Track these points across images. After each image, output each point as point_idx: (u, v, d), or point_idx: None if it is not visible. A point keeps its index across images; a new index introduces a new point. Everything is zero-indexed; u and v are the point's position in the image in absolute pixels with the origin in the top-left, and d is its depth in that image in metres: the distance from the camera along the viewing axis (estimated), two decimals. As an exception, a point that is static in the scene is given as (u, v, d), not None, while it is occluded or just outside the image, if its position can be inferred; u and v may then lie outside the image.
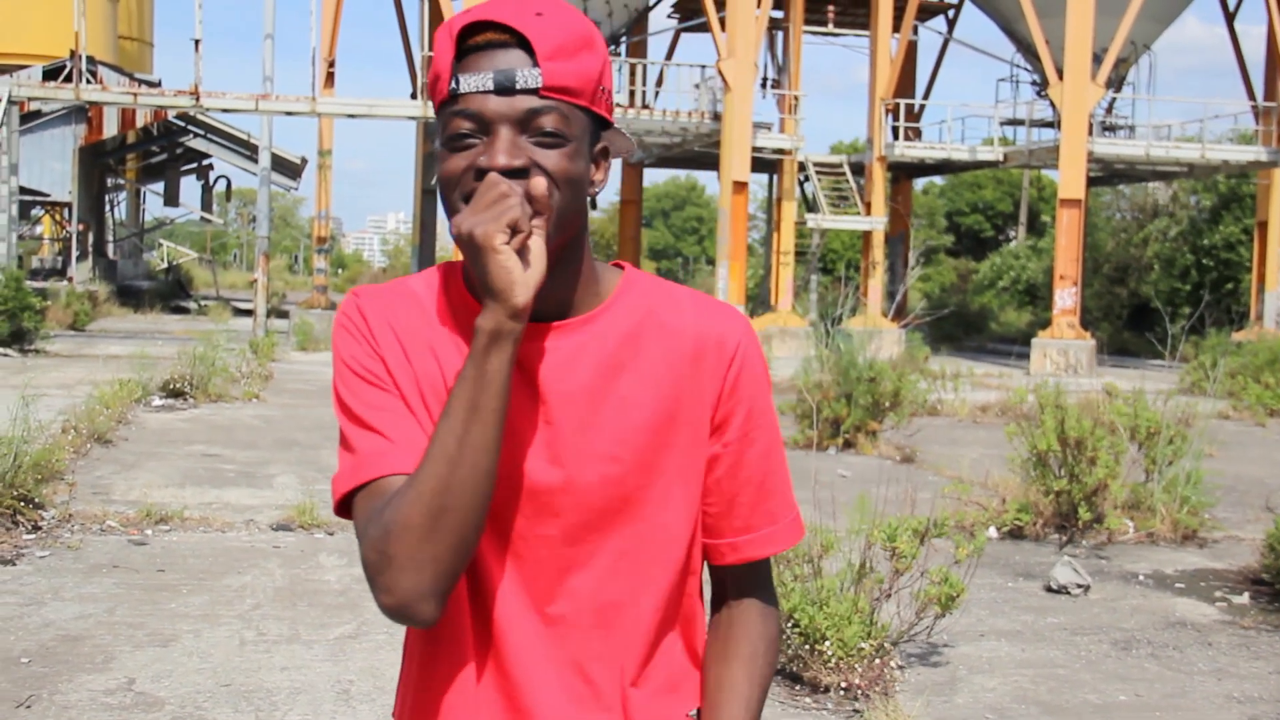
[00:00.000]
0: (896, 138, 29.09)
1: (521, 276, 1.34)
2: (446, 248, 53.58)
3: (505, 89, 1.40)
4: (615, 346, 1.49)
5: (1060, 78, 26.05)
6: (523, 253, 1.36)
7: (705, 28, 27.79)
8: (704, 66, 27.28)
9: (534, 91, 1.40)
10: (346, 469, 1.43)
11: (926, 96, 33.44)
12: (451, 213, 1.43)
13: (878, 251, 27.97)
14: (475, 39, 1.42)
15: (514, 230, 1.35)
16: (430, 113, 24.77)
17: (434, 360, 1.48)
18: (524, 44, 1.41)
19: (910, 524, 5.72)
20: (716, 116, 25.98)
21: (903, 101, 29.46)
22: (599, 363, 1.48)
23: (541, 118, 1.40)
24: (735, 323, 1.53)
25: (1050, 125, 30.47)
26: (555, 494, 1.46)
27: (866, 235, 28.52)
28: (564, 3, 1.47)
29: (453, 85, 1.42)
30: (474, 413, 1.36)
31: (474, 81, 1.41)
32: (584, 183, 1.45)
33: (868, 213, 28.23)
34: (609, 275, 1.54)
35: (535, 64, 1.40)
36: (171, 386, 14.49)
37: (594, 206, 1.55)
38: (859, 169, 29.73)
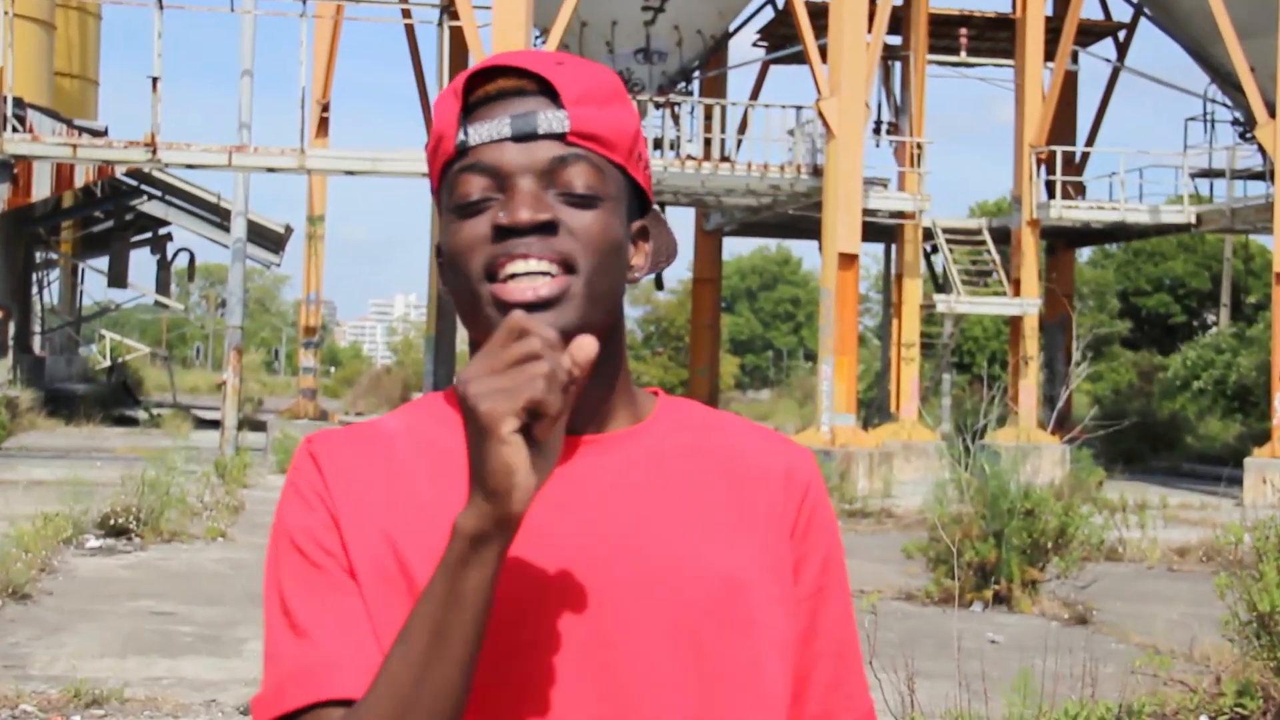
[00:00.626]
0: (1052, 195, 29.04)
1: (526, 478, 1.29)
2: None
3: (525, 135, 1.48)
4: (676, 466, 1.55)
5: (1272, 115, 25.92)
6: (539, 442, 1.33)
7: (801, 59, 28.06)
8: (800, 108, 27.48)
9: (560, 138, 1.49)
10: (270, 688, 1.44)
11: (1091, 142, 33.46)
12: (463, 299, 1.49)
13: (1030, 343, 27.80)
14: (486, 88, 1.51)
15: (534, 413, 1.29)
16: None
17: (421, 528, 1.47)
18: (546, 90, 1.50)
19: (1094, 712, 5.52)
20: (817, 171, 26.09)
21: (1060, 149, 29.47)
22: (657, 484, 1.53)
23: (569, 169, 1.48)
24: (803, 455, 1.63)
25: (1259, 177, 30.27)
26: (599, 652, 1.46)
27: (1015, 322, 28.37)
28: (587, 60, 1.56)
29: (460, 139, 1.50)
30: (439, 640, 1.33)
31: (486, 130, 1.49)
32: (622, 255, 1.51)
33: (1016, 293, 28.11)
34: (642, 394, 1.63)
35: (560, 106, 1.49)
36: (112, 522, 14.57)
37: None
38: (1003, 236, 29.68)
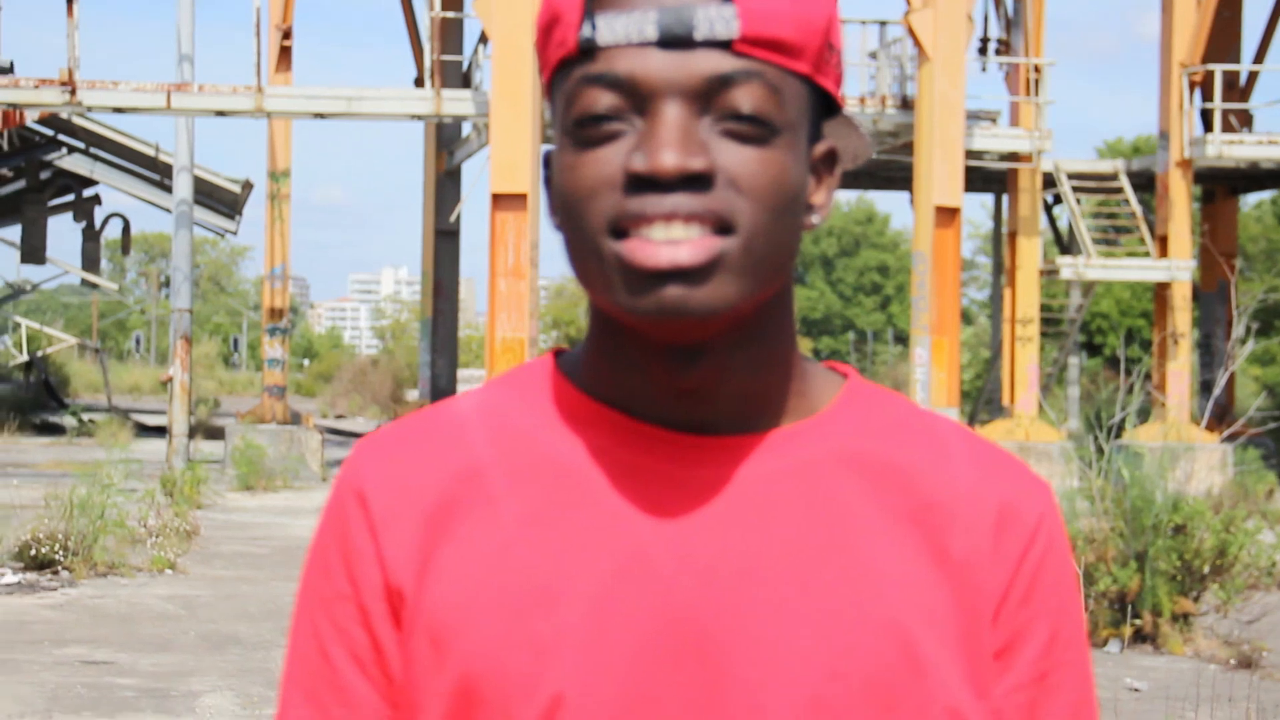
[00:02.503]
0: (1209, 128, 28.91)
1: None
2: (479, 325, 53.75)
3: (677, 38, 1.35)
4: (840, 485, 1.45)
5: None
6: None
7: (887, -41, 28.03)
8: (884, 23, 27.44)
9: (725, 45, 1.35)
10: None
11: (1260, 59, 33.24)
12: (575, 249, 1.39)
13: (1181, 317, 27.71)
14: None
15: None
16: (446, 108, 25.22)
17: (503, 552, 1.44)
18: None
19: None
20: (907, 103, 26.07)
21: (1219, 68, 29.28)
22: (812, 507, 1.43)
23: (735, 91, 1.36)
24: (1036, 489, 1.51)
25: None
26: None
27: (1161, 290, 28.28)
28: None
29: (584, 32, 1.38)
30: None
31: (623, 26, 1.36)
32: (799, 201, 1.41)
33: (1163, 254, 28.03)
34: (822, 378, 1.51)
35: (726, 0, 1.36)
36: (34, 553, 14.67)
37: (806, 229, 1.49)
38: (1145, 181, 29.58)
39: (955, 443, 1.49)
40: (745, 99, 1.35)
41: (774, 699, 1.38)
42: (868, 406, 1.49)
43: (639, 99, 1.36)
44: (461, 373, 37.92)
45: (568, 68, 1.39)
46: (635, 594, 1.39)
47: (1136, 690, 10.61)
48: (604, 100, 1.36)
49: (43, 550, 14.69)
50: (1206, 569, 12.25)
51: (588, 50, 1.37)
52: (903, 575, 1.42)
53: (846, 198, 74.69)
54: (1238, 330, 24.99)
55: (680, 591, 1.39)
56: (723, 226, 1.34)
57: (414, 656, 1.43)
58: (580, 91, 1.37)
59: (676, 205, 1.33)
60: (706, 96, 1.35)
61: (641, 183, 1.34)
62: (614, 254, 1.35)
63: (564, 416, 1.46)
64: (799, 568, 1.40)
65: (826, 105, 1.45)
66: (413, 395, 40.20)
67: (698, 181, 1.34)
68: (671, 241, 1.33)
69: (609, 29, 1.36)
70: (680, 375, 1.41)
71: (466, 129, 32.18)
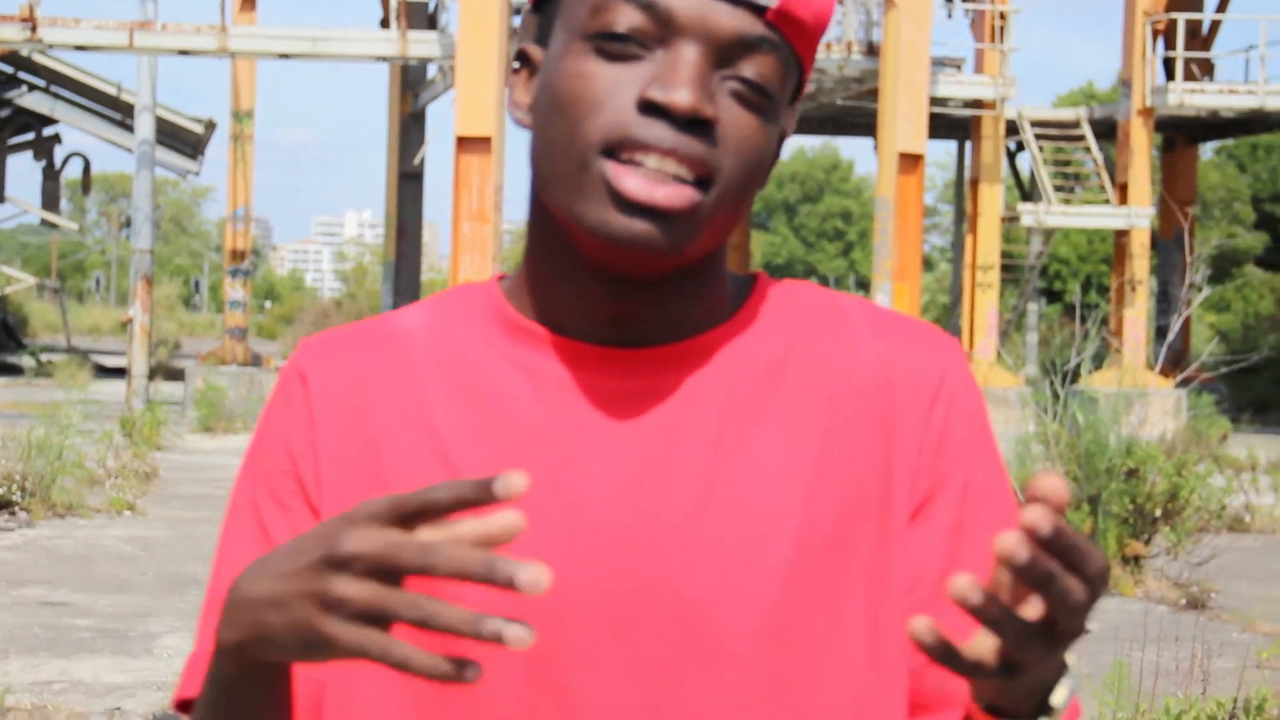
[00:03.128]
0: (1171, 77, 28.96)
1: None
2: (437, 267, 53.68)
3: None
4: (749, 383, 1.51)
5: None
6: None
7: (852, -96, 27.95)
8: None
9: (759, 11, 1.42)
10: (193, 659, 1.52)
11: (1223, 8, 33.31)
12: (557, 153, 1.43)
13: (1139, 264, 27.82)
14: None
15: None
16: (412, 49, 25.12)
17: (430, 447, 1.50)
18: None
19: (1203, 710, 5.62)
20: (872, 49, 26.06)
21: (1182, 17, 29.34)
22: (723, 408, 1.50)
23: (754, 58, 1.42)
24: (938, 349, 1.57)
25: None
26: (655, 618, 1.46)
27: (1120, 238, 28.37)
28: None
29: None
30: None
31: None
32: (766, 169, 1.50)
33: (1123, 201, 28.11)
34: (738, 285, 1.58)
35: None
36: (-8, 493, 14.65)
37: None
38: (1107, 129, 29.65)
39: (859, 318, 1.56)
40: (760, 66, 1.42)
41: (697, 589, 1.44)
42: (780, 302, 1.56)
43: (668, 30, 1.40)
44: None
45: None
46: (566, 500, 1.45)
47: (1089, 630, 10.69)
48: (634, 18, 1.40)
49: (0, 491, 14.66)
50: (1158, 512, 12.33)
51: None
52: (819, 450, 1.49)
53: (811, 144, 74.73)
54: (1193, 277, 25.13)
55: (608, 496, 1.46)
56: (706, 177, 1.40)
57: None
58: (611, 3, 1.41)
59: (679, 143, 1.38)
60: (728, 51, 1.41)
61: (653, 110, 1.39)
62: (601, 171, 1.40)
63: (499, 333, 1.52)
64: (717, 467, 1.47)
65: (798, 89, 1.53)
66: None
67: (702, 126, 1.39)
68: (658, 179, 1.38)
69: None
70: (619, 303, 1.48)
71: (432, 71, 32.08)
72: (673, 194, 1.39)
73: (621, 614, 1.45)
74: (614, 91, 1.40)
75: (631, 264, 1.44)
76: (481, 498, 1.17)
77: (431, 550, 1.17)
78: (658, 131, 1.39)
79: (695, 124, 1.39)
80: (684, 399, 1.49)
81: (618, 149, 1.40)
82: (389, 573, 1.20)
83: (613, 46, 1.41)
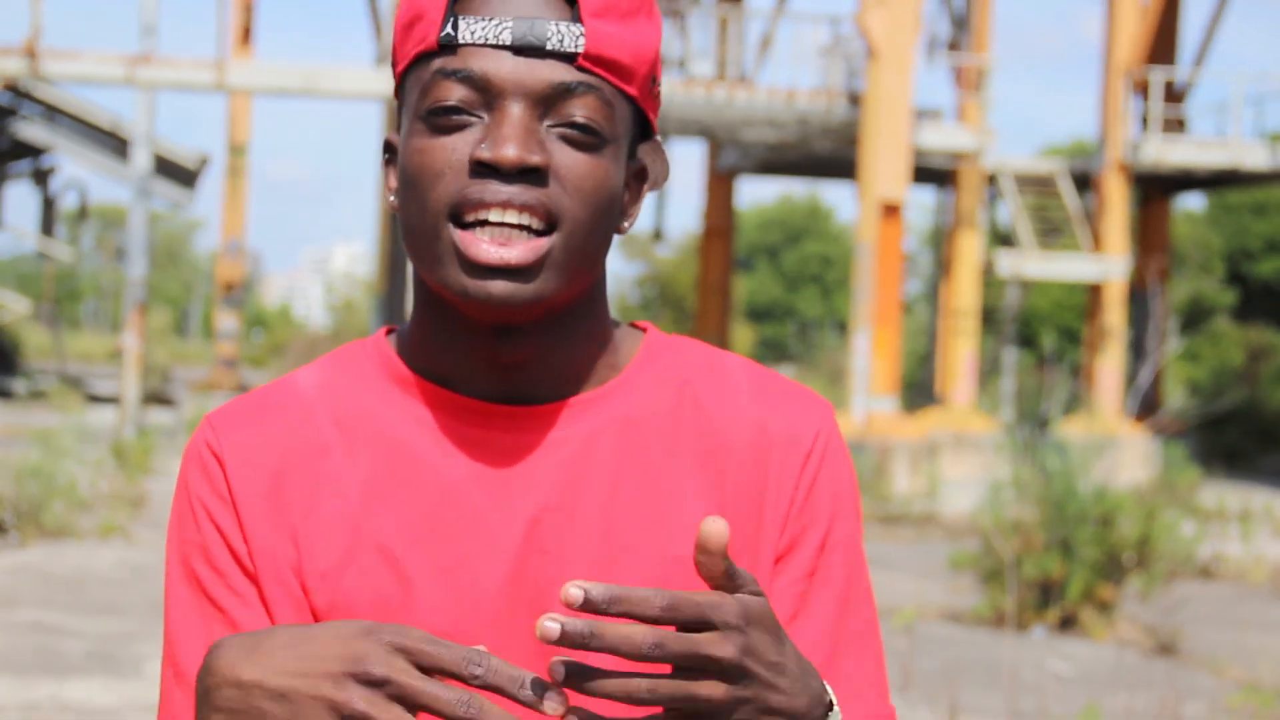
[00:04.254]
0: (1146, 131, 29.07)
1: None
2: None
3: (529, 46, 1.48)
4: (634, 439, 1.57)
5: None
6: None
7: (839, -43, 28.05)
8: (835, 20, 27.50)
9: (570, 59, 1.49)
10: None
11: (1199, 64, 33.40)
12: (416, 229, 1.50)
13: (1114, 313, 27.86)
14: None
15: None
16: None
17: (342, 509, 1.56)
18: None
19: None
20: (855, 98, 26.15)
21: (1158, 72, 29.45)
22: (611, 463, 1.56)
23: (574, 101, 1.49)
24: (812, 409, 1.64)
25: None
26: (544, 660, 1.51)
27: (1095, 289, 28.42)
28: None
29: (446, 31, 1.49)
30: None
31: (482, 29, 1.49)
32: (615, 206, 1.54)
33: (1098, 251, 28.17)
34: (627, 340, 1.64)
35: (576, 18, 1.50)
36: (-15, 515, 14.62)
37: (618, 232, 1.62)
38: (1084, 182, 29.72)
39: (742, 378, 1.64)
40: (582, 108, 1.49)
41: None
42: (668, 359, 1.63)
43: (489, 96, 1.48)
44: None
45: (425, 60, 1.51)
46: (471, 556, 1.53)
47: (1061, 674, 10.68)
48: (457, 93, 1.48)
49: (-6, 513, 14.64)
50: (1130, 559, 12.35)
51: (447, 46, 1.49)
52: (695, 510, 1.56)
53: (793, 188, 74.81)
54: (1167, 329, 25.06)
55: (507, 545, 1.53)
56: (549, 221, 1.47)
57: (278, 604, 1.55)
58: (437, 82, 1.49)
59: (512, 195, 1.46)
60: (549, 101, 1.48)
61: (484, 170, 1.47)
62: (451, 241, 1.48)
63: (396, 392, 1.59)
64: (606, 515, 1.54)
65: (643, 129, 1.59)
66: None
67: (534, 175, 1.47)
68: (503, 238, 1.46)
69: (469, 29, 1.48)
70: (500, 351, 1.54)
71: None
72: (521, 250, 1.47)
73: (529, 655, 1.51)
74: (450, 160, 1.48)
75: (500, 317, 1.50)
76: (512, 694, 1.28)
77: (468, 704, 1.28)
78: (492, 188, 1.46)
79: (527, 173, 1.47)
80: (580, 451, 1.56)
81: (460, 212, 1.48)
82: (409, 703, 1.29)
83: (445, 120, 1.49)
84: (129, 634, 10.78)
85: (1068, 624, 12.38)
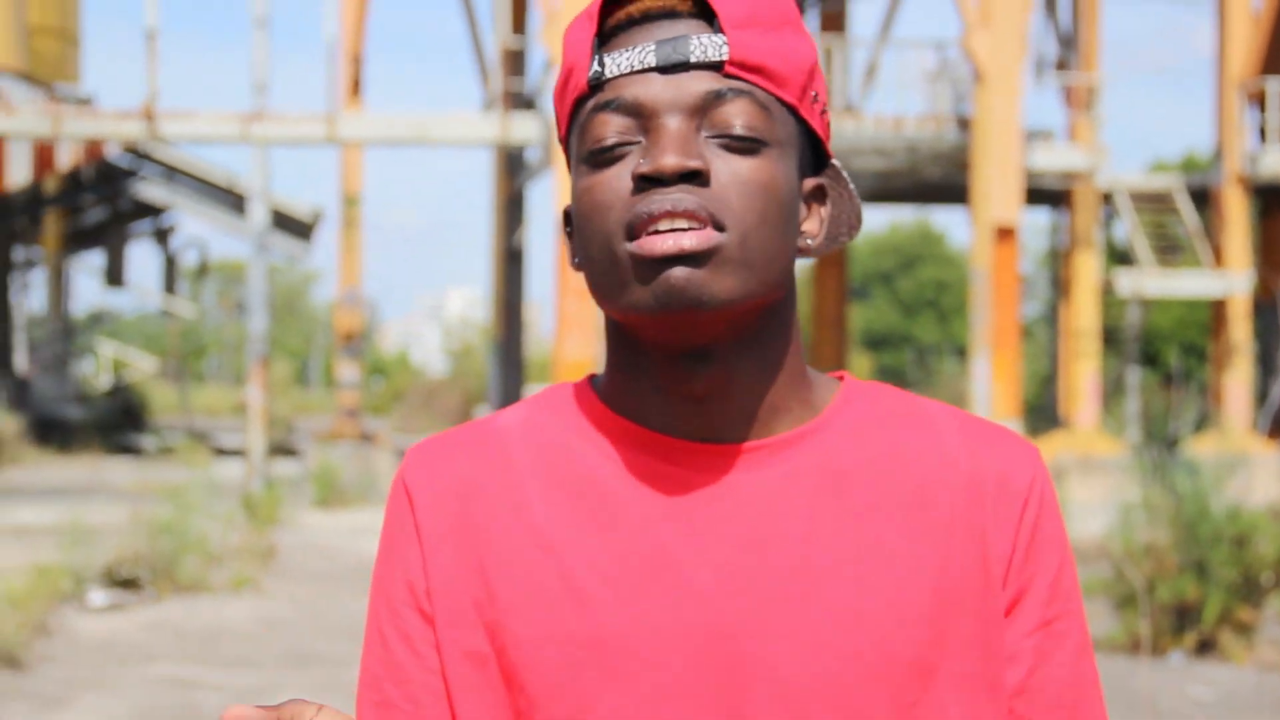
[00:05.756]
0: (1265, 142, 28.75)
1: None
2: (541, 346, 54.05)
3: (673, 64, 1.50)
4: (833, 485, 1.55)
5: None
6: None
7: (943, -18, 27.94)
8: (941, 45, 27.41)
9: (717, 67, 1.50)
10: None
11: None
12: (598, 270, 1.52)
13: (1239, 329, 27.55)
14: (627, 9, 1.54)
15: None
16: (513, 133, 25.32)
17: (534, 541, 1.56)
18: (702, 10, 1.52)
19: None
20: (964, 123, 26.04)
21: (1274, 82, 29.10)
22: (806, 508, 1.54)
23: (727, 106, 1.50)
24: (1024, 455, 1.61)
25: None
26: (758, 710, 1.51)
27: (1218, 305, 28.12)
28: None
29: (594, 71, 1.52)
30: None
31: (626, 59, 1.51)
32: (790, 214, 1.53)
33: (1219, 266, 27.87)
34: (824, 383, 1.62)
35: (719, 29, 1.51)
36: (119, 574, 14.81)
37: (801, 252, 1.61)
38: (1201, 197, 29.43)
39: (946, 423, 1.61)
40: (736, 113, 1.49)
41: (797, 686, 1.50)
42: (867, 403, 1.61)
43: (643, 118, 1.49)
44: (528, 390, 38.04)
45: (580, 105, 1.53)
46: (661, 594, 1.52)
47: (1201, 701, 10.57)
48: (614, 124, 1.50)
49: (128, 571, 14.82)
50: (1269, 580, 12.21)
51: (597, 84, 1.51)
52: (910, 559, 1.54)
53: (903, 215, 74.59)
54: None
55: (702, 590, 1.52)
56: (718, 223, 1.47)
57: (452, 646, 1.57)
58: (593, 120, 1.51)
59: (676, 201, 1.46)
60: (702, 111, 1.49)
61: (647, 184, 1.47)
62: (627, 252, 1.48)
63: (592, 430, 1.59)
64: (811, 563, 1.52)
65: (817, 155, 1.59)
66: (481, 413, 40.32)
67: (695, 179, 1.47)
68: (676, 230, 1.46)
69: (614, 63, 1.50)
70: (690, 380, 1.53)
71: (532, 153, 32.32)
72: (693, 237, 1.46)
73: (724, 704, 1.50)
74: (617, 189, 1.49)
75: (686, 323, 1.49)
76: None
77: None
78: (656, 199, 1.47)
79: (688, 178, 1.47)
80: (775, 495, 1.54)
81: (633, 231, 1.48)
82: None
83: (606, 156, 1.51)
84: (265, 687, 10.86)
85: (1206, 648, 12.23)
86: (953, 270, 71.09)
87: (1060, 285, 31.08)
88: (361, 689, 1.61)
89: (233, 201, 34.61)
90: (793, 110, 1.54)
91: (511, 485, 1.58)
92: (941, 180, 29.62)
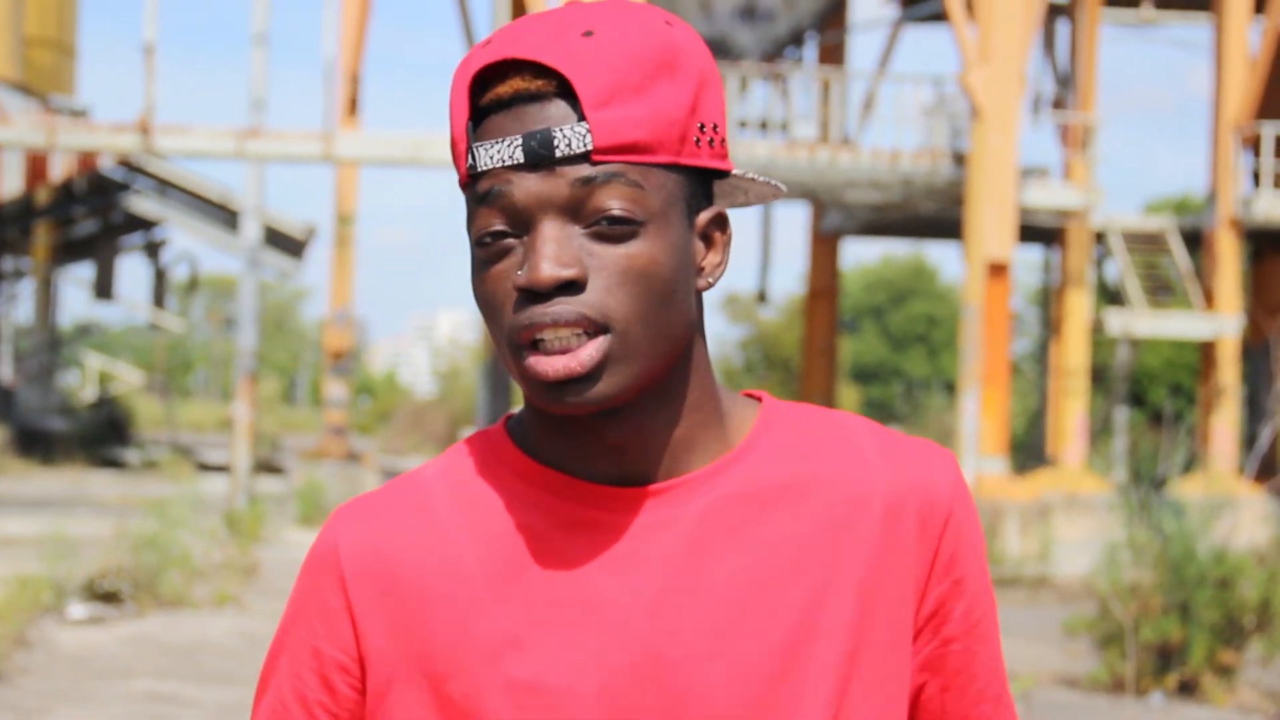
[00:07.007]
0: (1259, 186, 28.81)
1: None
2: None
3: (540, 159, 1.50)
4: (752, 512, 1.58)
5: None
6: None
7: (940, 17, 28.04)
8: (939, 80, 27.48)
9: (583, 158, 1.50)
10: None
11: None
12: (503, 358, 1.55)
13: (1228, 371, 27.57)
14: (498, 90, 1.53)
15: None
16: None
17: (465, 595, 1.60)
18: (567, 87, 1.51)
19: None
20: (960, 158, 26.10)
21: (1269, 126, 29.20)
22: (729, 538, 1.57)
23: (598, 194, 1.50)
24: (942, 466, 1.65)
25: None
26: None
27: (1208, 347, 28.16)
28: (635, 3, 1.57)
29: (470, 161, 1.54)
30: None
31: (497, 152, 1.52)
32: (679, 279, 1.54)
33: (1210, 309, 27.92)
34: (740, 411, 1.65)
35: (581, 116, 1.50)
36: (101, 587, 14.78)
37: (701, 290, 1.63)
38: (1194, 239, 29.49)
39: (866, 440, 1.64)
40: (609, 200, 1.49)
41: (730, 714, 1.54)
42: (785, 427, 1.64)
43: (519, 216, 1.50)
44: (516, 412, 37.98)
45: (468, 189, 1.55)
46: (596, 635, 1.55)
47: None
48: (492, 220, 1.52)
49: (110, 585, 14.78)
50: (1251, 622, 12.20)
51: (474, 175, 1.53)
52: (832, 579, 1.58)
53: (897, 249, 74.64)
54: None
55: (634, 625, 1.55)
56: (600, 327, 1.49)
57: (394, 709, 1.59)
58: (475, 213, 1.54)
59: (557, 314, 1.48)
60: (575, 206, 1.49)
61: (528, 295, 1.49)
62: (519, 369, 1.51)
63: (513, 479, 1.61)
64: (736, 591, 1.56)
65: (703, 179, 1.58)
66: (466, 435, 40.25)
67: (571, 287, 1.49)
68: (563, 351, 1.48)
69: (485, 155, 1.52)
70: (605, 434, 1.56)
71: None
72: (579, 357, 1.49)
73: None
74: (503, 290, 1.52)
75: (588, 413, 1.53)
76: None
77: None
78: (536, 311, 1.49)
79: (565, 288, 1.49)
80: (697, 529, 1.57)
81: (520, 342, 1.50)
82: None
83: (490, 250, 1.52)
84: (246, 703, 10.85)
85: (1187, 689, 12.24)
86: (944, 305, 71.14)
87: (1051, 323, 31.14)
88: None
89: (225, 217, 34.61)
90: (674, 167, 1.54)
91: (439, 542, 1.60)
92: (936, 215, 29.70)
